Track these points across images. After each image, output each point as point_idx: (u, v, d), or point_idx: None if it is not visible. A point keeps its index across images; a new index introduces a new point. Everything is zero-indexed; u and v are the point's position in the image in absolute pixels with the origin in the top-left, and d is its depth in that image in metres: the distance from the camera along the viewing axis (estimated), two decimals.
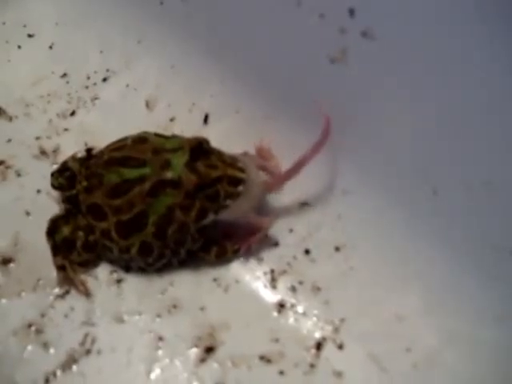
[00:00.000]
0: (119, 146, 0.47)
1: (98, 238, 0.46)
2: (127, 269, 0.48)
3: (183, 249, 0.46)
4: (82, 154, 0.52)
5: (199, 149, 0.44)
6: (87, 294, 0.47)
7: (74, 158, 0.51)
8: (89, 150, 0.52)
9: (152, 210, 0.44)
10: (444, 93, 0.44)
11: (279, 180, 0.48)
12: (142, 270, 0.48)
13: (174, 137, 0.48)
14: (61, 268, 0.48)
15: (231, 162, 0.45)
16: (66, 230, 0.48)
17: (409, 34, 0.45)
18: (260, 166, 0.49)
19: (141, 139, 0.47)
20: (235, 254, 0.48)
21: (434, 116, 0.46)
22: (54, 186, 0.50)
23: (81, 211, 0.47)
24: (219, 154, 0.45)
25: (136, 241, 0.45)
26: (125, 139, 0.48)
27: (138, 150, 0.46)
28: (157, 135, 0.48)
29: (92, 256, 0.48)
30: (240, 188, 0.44)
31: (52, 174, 0.50)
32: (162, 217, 0.44)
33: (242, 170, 0.44)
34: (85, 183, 0.47)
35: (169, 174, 0.43)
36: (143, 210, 0.44)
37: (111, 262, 0.48)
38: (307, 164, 0.46)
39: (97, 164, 0.47)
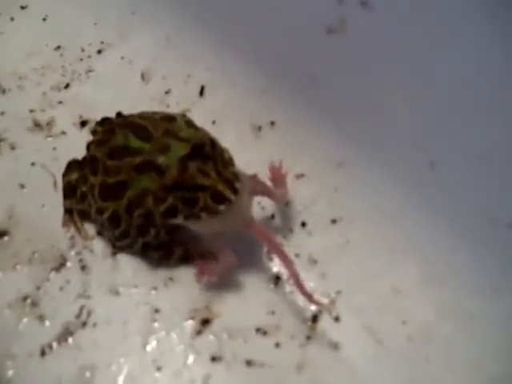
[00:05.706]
0: (148, 115, 0.46)
1: (86, 191, 0.47)
2: (113, 245, 0.48)
3: (142, 239, 0.45)
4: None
5: (200, 149, 0.42)
6: (87, 237, 0.48)
7: (120, 114, 0.49)
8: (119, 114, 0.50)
9: (132, 185, 0.43)
10: (444, 66, 0.44)
11: (262, 232, 0.43)
12: (113, 247, 0.48)
13: (194, 128, 0.45)
14: (68, 211, 0.49)
15: (228, 177, 0.41)
16: (73, 175, 0.48)
17: (409, 4, 0.44)
18: (262, 191, 0.46)
19: (169, 118, 0.45)
20: (180, 262, 0.47)
21: (433, 89, 0.45)
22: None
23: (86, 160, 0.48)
24: (222, 164, 0.41)
25: (110, 207, 0.45)
26: (158, 113, 0.47)
27: (157, 125, 0.44)
28: (187, 122, 0.45)
29: (86, 208, 0.48)
30: (221, 207, 0.41)
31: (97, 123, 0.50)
32: (136, 196, 0.43)
33: (234, 191, 0.40)
34: (100, 135, 0.47)
35: (160, 159, 0.42)
36: (125, 181, 0.43)
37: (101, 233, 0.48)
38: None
39: (119, 122, 0.47)
